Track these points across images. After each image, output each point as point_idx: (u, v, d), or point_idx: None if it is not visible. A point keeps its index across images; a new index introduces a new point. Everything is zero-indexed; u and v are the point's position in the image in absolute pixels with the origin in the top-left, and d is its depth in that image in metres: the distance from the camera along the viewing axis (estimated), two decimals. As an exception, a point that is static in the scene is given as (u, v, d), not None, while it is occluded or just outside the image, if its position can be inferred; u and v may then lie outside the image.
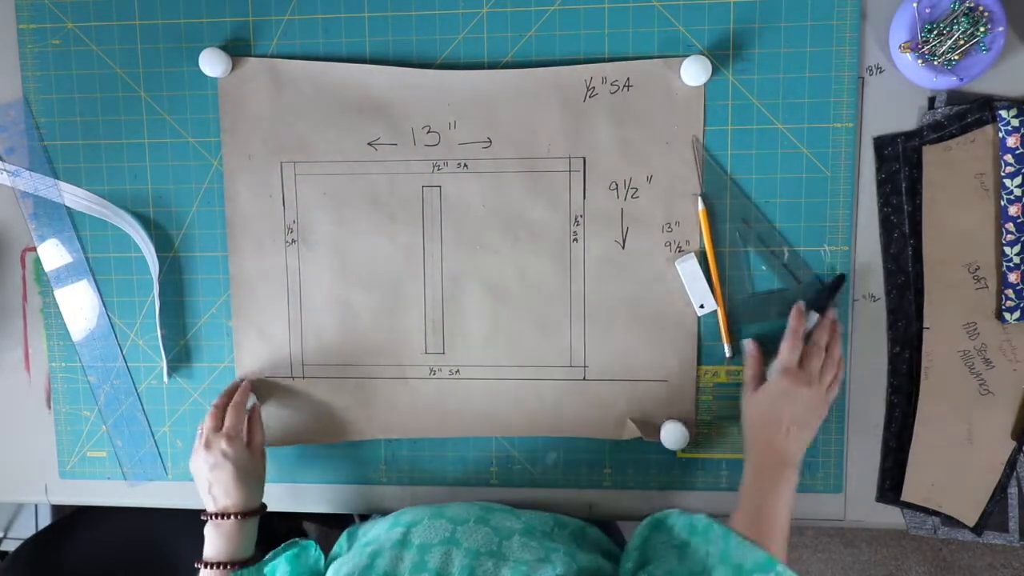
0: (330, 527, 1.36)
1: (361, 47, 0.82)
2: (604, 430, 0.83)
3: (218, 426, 0.78)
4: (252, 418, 0.82)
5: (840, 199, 0.80)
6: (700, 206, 0.79)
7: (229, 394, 0.82)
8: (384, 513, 0.82)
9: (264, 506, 0.80)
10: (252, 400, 0.84)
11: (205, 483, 0.77)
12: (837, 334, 0.77)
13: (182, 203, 0.85)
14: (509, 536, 0.69)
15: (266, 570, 0.76)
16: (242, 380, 0.85)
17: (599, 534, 0.79)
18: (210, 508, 0.77)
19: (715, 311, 0.80)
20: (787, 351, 0.74)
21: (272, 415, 0.86)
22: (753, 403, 0.74)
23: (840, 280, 0.79)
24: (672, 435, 0.80)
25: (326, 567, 0.76)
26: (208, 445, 0.77)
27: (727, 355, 0.81)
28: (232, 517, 0.76)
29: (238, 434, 0.78)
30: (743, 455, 0.72)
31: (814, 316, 0.77)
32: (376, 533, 0.73)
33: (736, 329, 0.81)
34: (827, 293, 0.78)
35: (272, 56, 0.83)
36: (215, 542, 0.76)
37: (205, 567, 0.75)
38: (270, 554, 0.76)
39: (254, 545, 0.78)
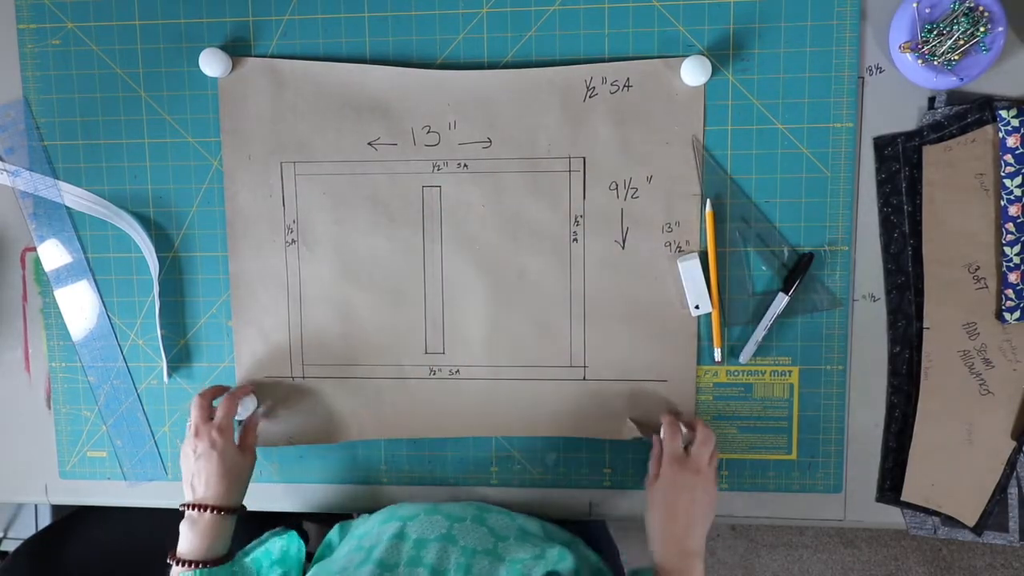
0: (330, 527, 1.35)
1: (361, 47, 0.82)
2: (604, 430, 0.83)
3: (206, 416, 0.77)
4: (251, 420, 0.82)
5: (840, 199, 0.80)
6: (708, 208, 0.79)
7: (220, 389, 0.81)
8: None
9: (244, 508, 0.79)
10: (255, 404, 0.84)
11: (188, 473, 0.76)
12: (709, 432, 0.76)
13: (182, 203, 0.85)
14: (505, 537, 0.70)
15: (249, 558, 0.76)
16: (243, 385, 0.85)
17: (585, 548, 0.79)
18: (188, 498, 0.76)
19: (709, 313, 0.80)
20: (669, 442, 0.75)
21: (272, 415, 0.86)
22: (651, 497, 0.74)
23: (808, 259, 0.79)
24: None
25: (317, 559, 0.76)
26: (197, 434, 0.76)
27: (716, 359, 0.81)
28: (209, 511, 0.74)
29: (229, 427, 0.77)
30: (649, 544, 0.73)
31: (782, 298, 0.78)
32: (370, 526, 0.74)
33: (729, 331, 0.82)
34: (795, 273, 0.79)
35: (272, 56, 0.83)
36: (188, 537, 0.74)
37: (177, 564, 0.73)
38: (252, 543, 0.75)
39: (228, 545, 0.76)
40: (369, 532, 0.72)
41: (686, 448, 0.75)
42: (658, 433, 0.80)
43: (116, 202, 0.86)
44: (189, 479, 0.76)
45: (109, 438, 0.89)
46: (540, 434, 0.84)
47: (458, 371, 0.84)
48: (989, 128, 0.76)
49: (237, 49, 0.83)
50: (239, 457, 0.77)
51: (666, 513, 0.72)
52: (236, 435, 0.80)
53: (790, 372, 0.82)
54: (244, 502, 0.79)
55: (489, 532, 0.70)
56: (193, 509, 0.74)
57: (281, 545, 0.77)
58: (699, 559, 0.70)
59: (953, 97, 0.77)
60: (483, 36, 0.81)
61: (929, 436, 0.80)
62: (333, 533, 0.81)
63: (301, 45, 0.83)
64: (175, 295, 0.86)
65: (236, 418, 0.80)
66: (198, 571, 0.72)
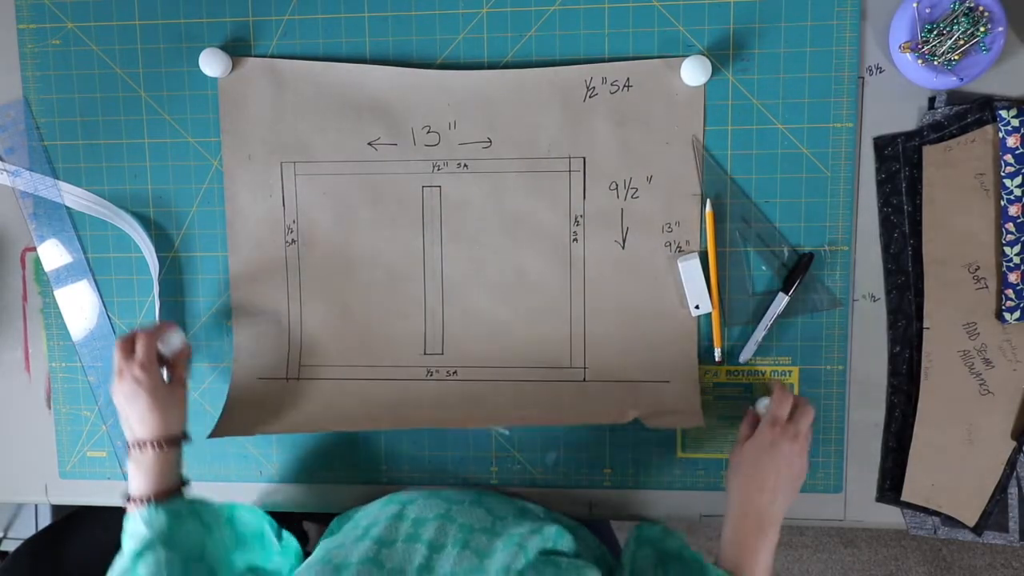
0: (330, 527, 1.35)
1: (361, 47, 0.82)
2: (605, 415, 0.81)
3: (128, 356, 0.75)
4: (180, 356, 0.79)
5: (840, 199, 0.80)
6: (708, 208, 0.79)
7: (143, 327, 0.78)
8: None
9: (186, 435, 0.77)
10: (181, 340, 0.80)
11: (123, 414, 0.75)
12: (807, 404, 0.75)
13: (182, 203, 0.85)
14: (504, 517, 0.70)
15: (227, 513, 0.75)
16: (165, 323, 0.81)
17: (589, 534, 0.79)
18: (128, 438, 0.74)
19: (709, 313, 0.80)
20: (776, 404, 0.73)
21: (270, 414, 0.86)
22: (739, 457, 0.72)
23: (808, 259, 0.79)
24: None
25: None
26: (120, 374, 0.74)
27: (716, 359, 0.81)
28: (151, 447, 0.72)
29: (151, 362, 0.75)
30: (726, 505, 0.71)
31: (782, 298, 0.78)
32: (370, 510, 0.74)
33: (729, 331, 0.82)
34: (795, 273, 0.79)
35: (272, 56, 0.83)
36: (136, 476, 0.73)
37: (129, 502, 0.72)
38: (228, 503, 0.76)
39: (179, 477, 0.75)
40: (368, 513, 0.73)
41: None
42: (752, 405, 0.78)
43: (116, 202, 0.86)
44: (124, 420, 0.75)
45: (109, 438, 0.89)
46: (539, 424, 0.83)
47: (456, 372, 0.84)
48: (989, 128, 0.76)
49: (237, 49, 0.83)
50: (166, 390, 0.75)
51: (754, 473, 0.70)
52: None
53: (790, 372, 0.82)
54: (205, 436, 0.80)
55: (487, 512, 0.70)
56: (135, 448, 0.73)
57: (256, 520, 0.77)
58: (776, 530, 0.69)
59: (953, 97, 0.77)
60: (483, 36, 0.81)
61: (929, 436, 0.80)
62: (334, 523, 0.81)
63: (301, 45, 0.83)
64: (175, 295, 0.86)
65: (164, 353, 0.78)
66: (149, 506, 0.70)
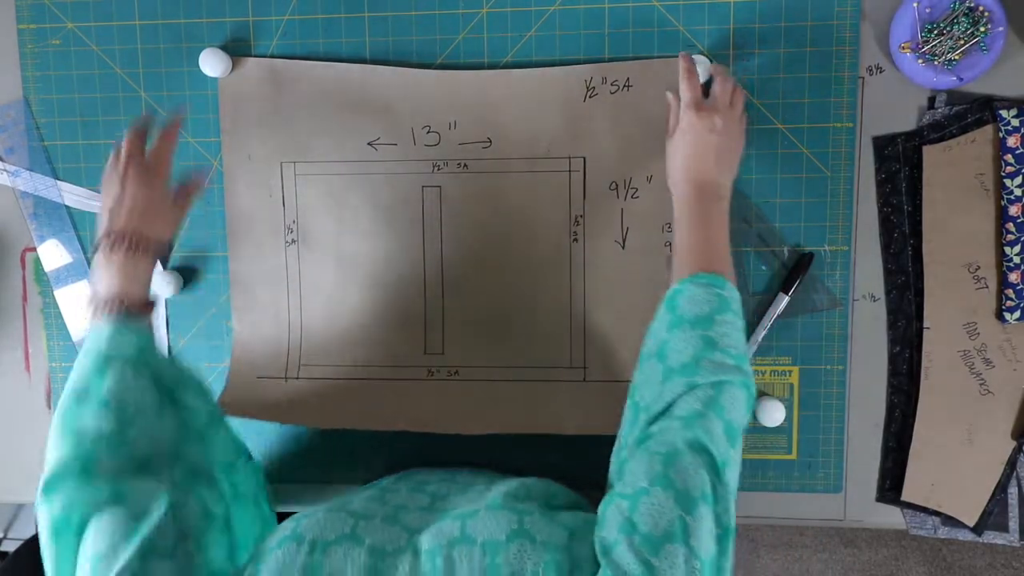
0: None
1: (361, 47, 0.82)
2: (605, 426, 0.82)
3: (142, 143, 0.70)
4: (193, 180, 0.75)
5: (840, 199, 0.80)
6: None
7: (150, 119, 0.73)
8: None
9: (171, 244, 0.71)
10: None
11: (110, 199, 0.68)
12: (728, 76, 0.73)
13: (182, 203, 0.85)
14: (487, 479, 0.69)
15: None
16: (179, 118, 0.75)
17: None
18: (104, 227, 0.67)
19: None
20: (686, 88, 0.71)
21: (269, 414, 0.86)
22: (673, 147, 0.71)
23: (808, 259, 0.79)
24: (768, 412, 0.80)
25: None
26: (131, 157, 0.69)
27: None
28: (129, 241, 0.65)
29: (167, 161, 0.71)
30: (674, 204, 0.69)
31: (782, 298, 0.79)
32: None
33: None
34: (795, 273, 0.79)
35: (272, 56, 0.83)
36: (103, 276, 0.64)
37: (91, 309, 0.64)
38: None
39: (149, 294, 0.67)
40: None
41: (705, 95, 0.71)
42: (674, 93, 0.75)
43: (116, 202, 0.86)
44: (109, 205, 0.67)
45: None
46: (540, 431, 0.84)
47: (457, 372, 0.84)
48: (989, 128, 0.76)
49: (237, 49, 0.83)
50: (170, 200, 0.70)
51: (692, 154, 0.68)
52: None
53: (790, 372, 0.82)
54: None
55: (470, 480, 0.70)
56: (110, 238, 0.65)
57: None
58: (727, 202, 0.67)
59: (953, 97, 0.77)
60: (483, 36, 0.81)
61: (929, 436, 0.80)
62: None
63: (301, 45, 0.83)
64: (175, 295, 0.86)
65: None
66: (120, 315, 0.62)
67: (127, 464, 0.58)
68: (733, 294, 0.63)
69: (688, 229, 0.67)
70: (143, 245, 0.66)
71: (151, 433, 0.61)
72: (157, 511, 0.54)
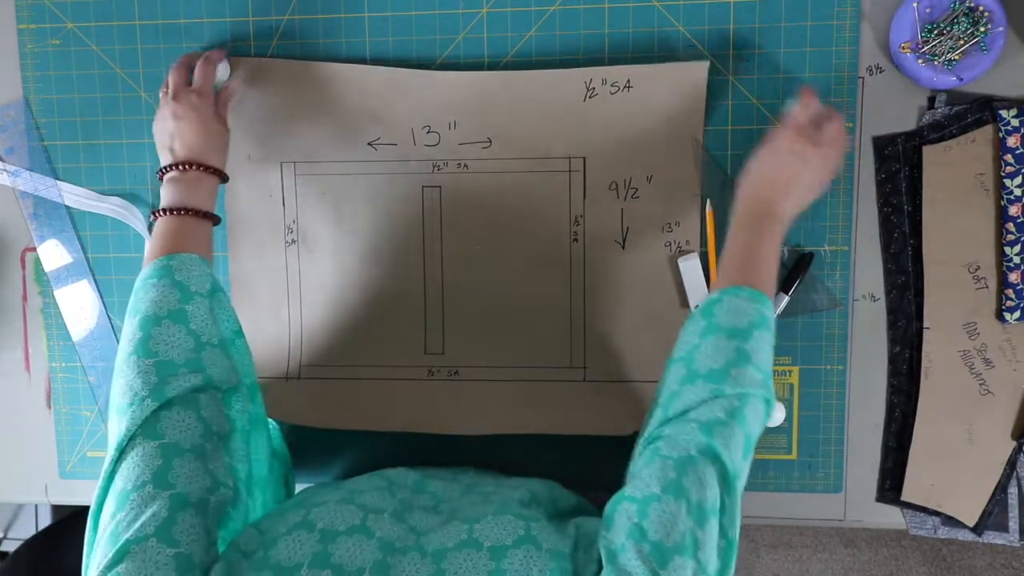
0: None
1: (361, 47, 0.82)
2: (605, 427, 0.82)
3: (186, 80, 0.75)
4: (225, 92, 0.79)
5: (840, 199, 0.80)
6: (708, 208, 0.79)
7: (196, 55, 0.78)
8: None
9: (225, 175, 0.74)
10: (228, 70, 0.80)
11: (166, 135, 0.72)
12: (842, 118, 0.71)
13: (182, 203, 0.85)
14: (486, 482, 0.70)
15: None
16: (218, 49, 0.80)
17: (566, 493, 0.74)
18: (166, 161, 0.72)
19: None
20: (799, 111, 0.69)
21: (270, 414, 0.86)
22: (756, 160, 0.69)
23: (808, 259, 0.79)
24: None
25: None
26: (176, 97, 0.73)
27: None
28: (192, 167, 0.70)
29: (208, 93, 0.75)
30: (732, 209, 0.68)
31: (782, 298, 0.78)
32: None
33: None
34: (795, 273, 0.79)
35: (272, 56, 0.83)
36: (172, 190, 0.70)
37: (162, 214, 0.69)
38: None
39: (215, 208, 0.73)
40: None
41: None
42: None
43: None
44: (168, 143, 0.72)
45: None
46: (540, 431, 0.84)
47: (457, 372, 0.84)
48: (989, 128, 0.76)
49: (237, 49, 0.83)
50: (217, 123, 0.74)
51: (770, 177, 0.66)
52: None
53: (790, 372, 0.82)
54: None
55: (472, 481, 0.70)
56: (175, 168, 0.71)
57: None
58: (783, 228, 0.65)
59: (953, 97, 0.77)
60: (483, 36, 0.81)
61: (929, 436, 0.80)
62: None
63: (301, 45, 0.83)
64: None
65: (213, 84, 0.77)
66: (186, 227, 0.68)
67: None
68: (772, 314, 0.63)
69: (739, 241, 0.67)
70: (203, 168, 0.71)
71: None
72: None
